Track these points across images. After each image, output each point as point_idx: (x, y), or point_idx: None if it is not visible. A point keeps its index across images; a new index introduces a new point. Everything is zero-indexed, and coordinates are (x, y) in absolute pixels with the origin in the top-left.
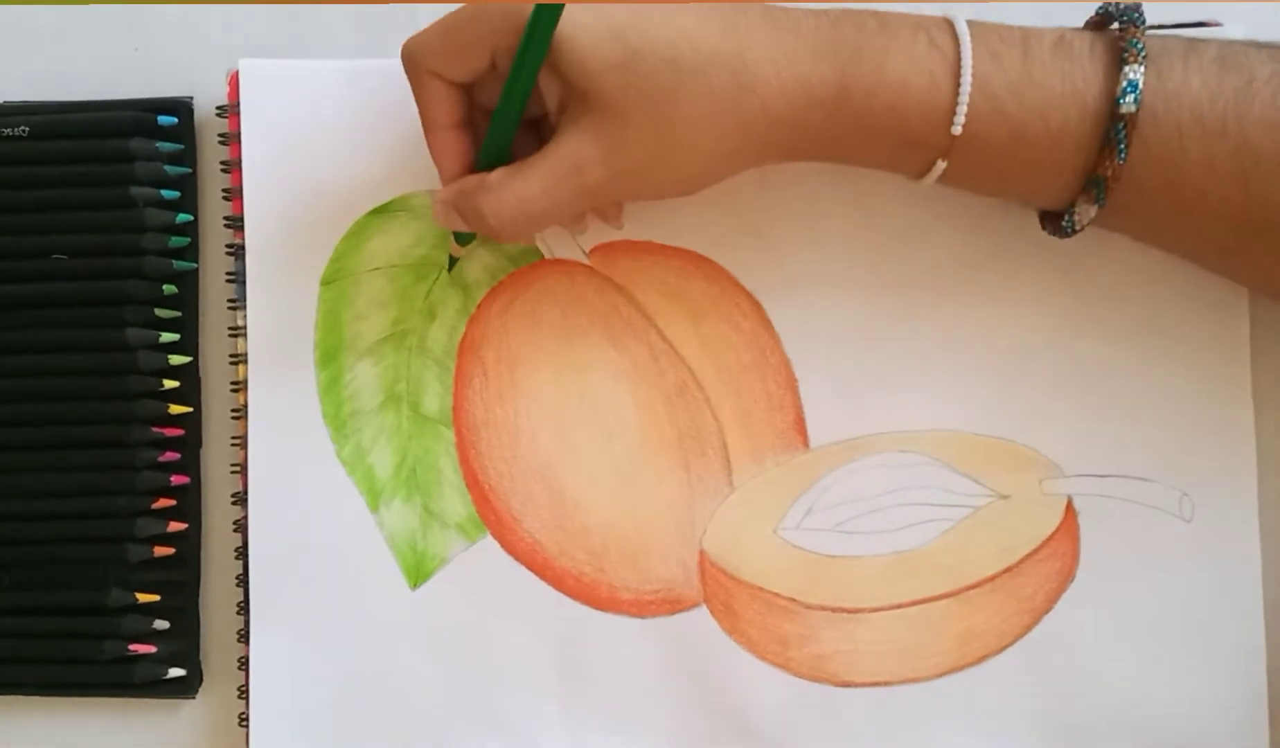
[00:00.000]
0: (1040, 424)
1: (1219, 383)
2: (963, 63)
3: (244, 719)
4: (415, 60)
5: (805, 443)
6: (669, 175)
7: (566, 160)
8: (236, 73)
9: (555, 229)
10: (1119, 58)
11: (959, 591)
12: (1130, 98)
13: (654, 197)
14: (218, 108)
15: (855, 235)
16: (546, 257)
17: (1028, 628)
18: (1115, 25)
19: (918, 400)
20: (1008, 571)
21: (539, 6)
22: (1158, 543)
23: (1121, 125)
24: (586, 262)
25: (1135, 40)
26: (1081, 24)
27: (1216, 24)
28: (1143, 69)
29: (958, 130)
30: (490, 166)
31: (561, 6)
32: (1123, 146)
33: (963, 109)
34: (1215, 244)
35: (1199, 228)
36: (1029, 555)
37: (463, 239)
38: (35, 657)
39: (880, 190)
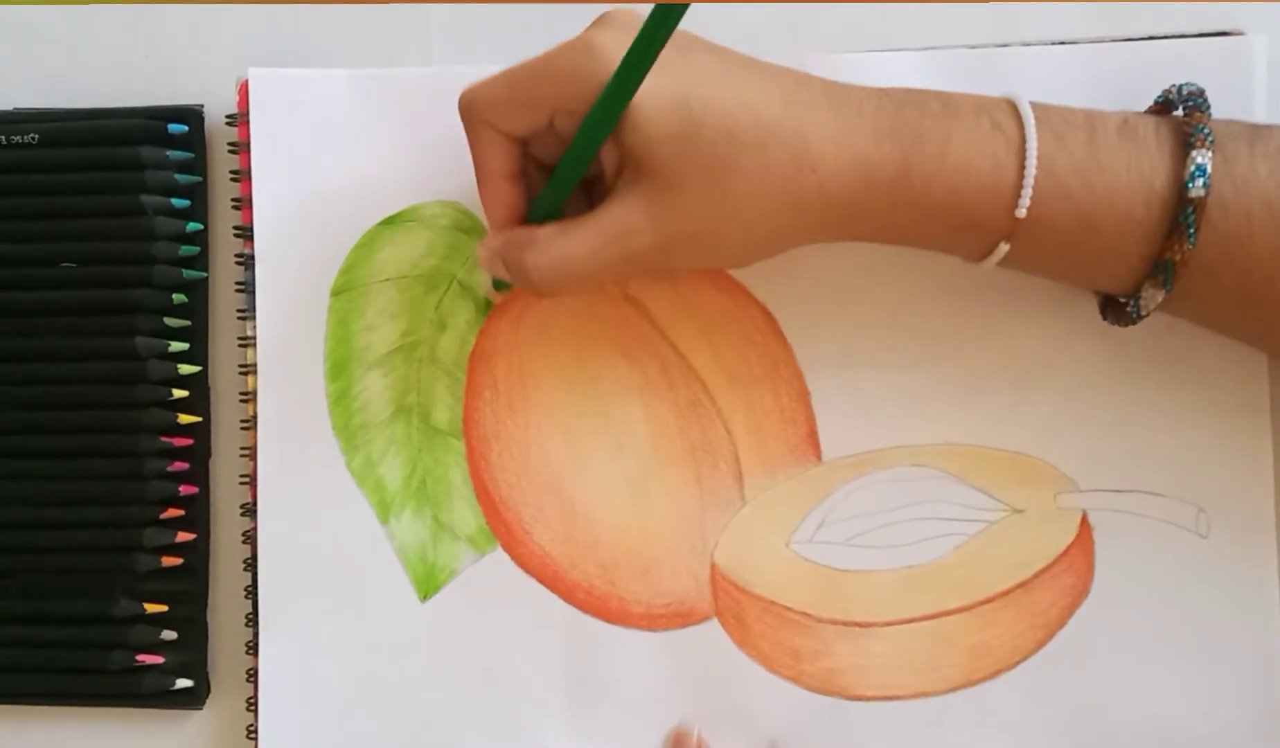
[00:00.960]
0: (1054, 438)
1: (1236, 397)
2: (1027, 145)
3: (252, 732)
4: (473, 110)
5: (818, 456)
6: (717, 248)
7: (615, 225)
8: (246, 81)
9: None
10: (1185, 143)
11: (972, 605)
12: (1199, 182)
13: (698, 267)
14: (228, 116)
15: (869, 248)
16: None
17: (1041, 643)
18: (1179, 110)
19: (931, 414)
20: (1021, 585)
21: (616, 80)
22: (1174, 559)
23: (1191, 210)
24: None
25: (1201, 126)
26: (1144, 109)
27: (1239, 32)
28: (1210, 154)
29: (1022, 213)
30: (541, 220)
31: (638, 83)
32: (1192, 231)
33: (1028, 192)
34: None
35: (1268, 316)
36: (1043, 570)
37: (500, 286)
38: (42, 666)
39: None
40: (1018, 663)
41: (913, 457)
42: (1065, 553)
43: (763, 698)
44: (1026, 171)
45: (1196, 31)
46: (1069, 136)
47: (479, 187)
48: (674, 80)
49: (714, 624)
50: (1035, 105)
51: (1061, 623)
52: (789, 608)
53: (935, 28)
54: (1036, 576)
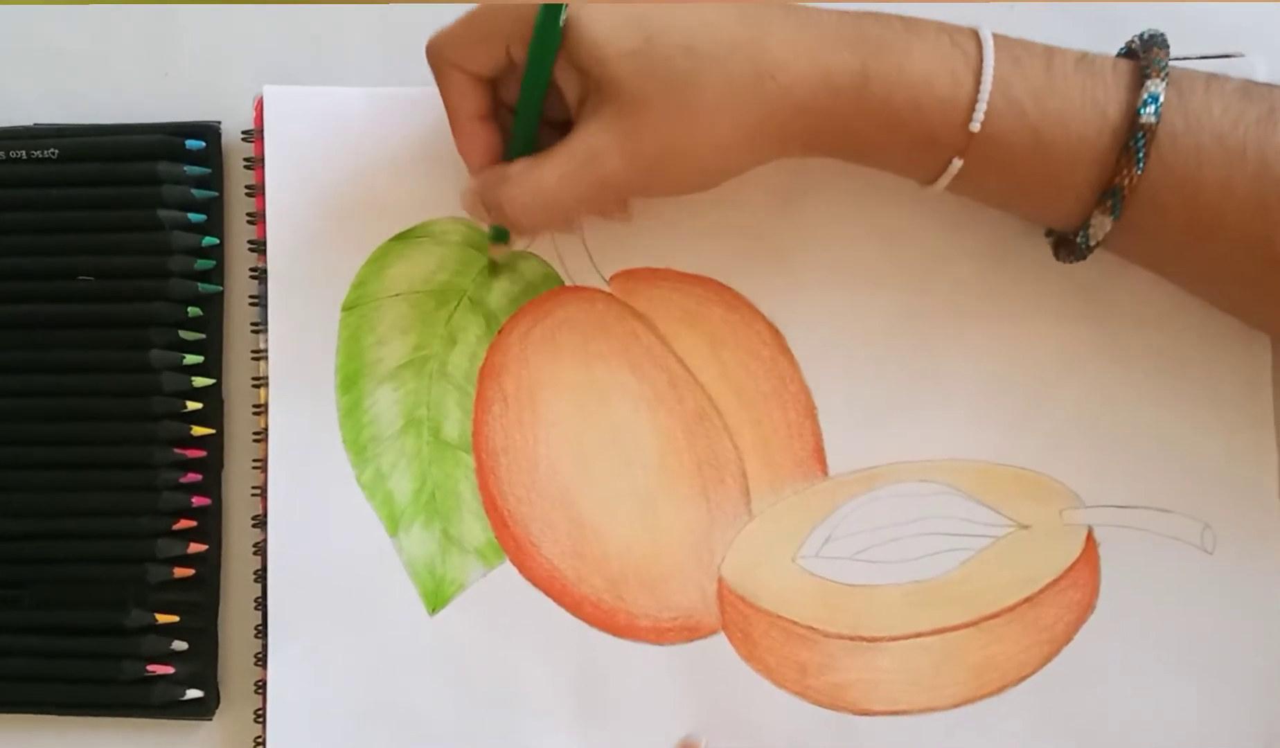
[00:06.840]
0: (1060, 454)
1: (1241, 413)
2: (984, 63)
3: (260, 743)
4: (437, 52)
5: (824, 471)
6: (687, 166)
7: (583, 150)
8: (261, 98)
9: (576, 255)
10: (1141, 75)
11: (978, 620)
12: (1151, 109)
13: (671, 190)
14: (244, 132)
15: (876, 263)
16: (567, 284)
17: (1047, 659)
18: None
19: (938, 429)
20: (1027, 601)
21: None
22: (1179, 575)
23: (1141, 135)
24: (607, 289)
25: (1159, 59)
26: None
27: (1239, 54)
28: (1164, 84)
29: (976, 127)
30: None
31: None
32: (1141, 156)
33: (982, 106)
34: (1231, 273)
35: (1215, 254)
36: (1049, 586)
37: (495, 235)
38: (54, 676)
39: (902, 218)
40: (1024, 678)
41: (919, 472)
42: (1071, 569)
43: (769, 712)
44: (983, 85)
45: (1198, 54)
46: (1026, 62)
47: (452, 131)
48: (625, 1)
49: (721, 638)
50: (996, 34)
51: (1067, 639)
52: (796, 622)
53: None
54: (1042, 591)
